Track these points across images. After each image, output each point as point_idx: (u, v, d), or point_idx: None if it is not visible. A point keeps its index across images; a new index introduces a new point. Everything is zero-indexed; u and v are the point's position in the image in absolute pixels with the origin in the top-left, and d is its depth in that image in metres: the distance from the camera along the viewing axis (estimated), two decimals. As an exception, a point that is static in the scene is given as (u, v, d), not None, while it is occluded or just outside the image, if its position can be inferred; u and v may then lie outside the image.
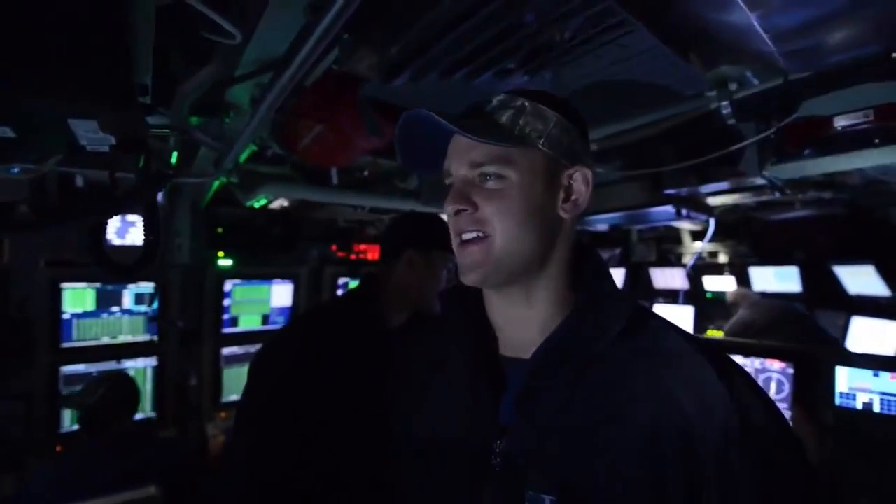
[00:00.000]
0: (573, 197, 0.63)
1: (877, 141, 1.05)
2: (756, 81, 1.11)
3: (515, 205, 0.58)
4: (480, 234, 0.59)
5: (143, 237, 0.81)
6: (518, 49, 0.93)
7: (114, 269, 0.81)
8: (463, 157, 0.61)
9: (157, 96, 0.78)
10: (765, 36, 0.87)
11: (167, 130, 0.70)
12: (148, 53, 0.60)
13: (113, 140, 0.61)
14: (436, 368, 0.71)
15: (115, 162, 0.72)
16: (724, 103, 1.14)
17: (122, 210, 0.62)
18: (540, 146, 0.60)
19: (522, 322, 0.63)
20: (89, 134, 0.58)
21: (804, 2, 0.76)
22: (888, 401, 1.45)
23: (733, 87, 1.11)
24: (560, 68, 1.03)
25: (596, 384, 0.58)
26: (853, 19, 0.83)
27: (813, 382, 1.56)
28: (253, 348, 2.81)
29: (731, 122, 1.14)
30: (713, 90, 1.12)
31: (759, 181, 1.40)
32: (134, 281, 2.47)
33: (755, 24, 0.84)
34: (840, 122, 1.03)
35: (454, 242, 0.63)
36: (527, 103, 0.61)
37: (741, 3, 0.77)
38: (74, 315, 2.35)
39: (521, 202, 0.59)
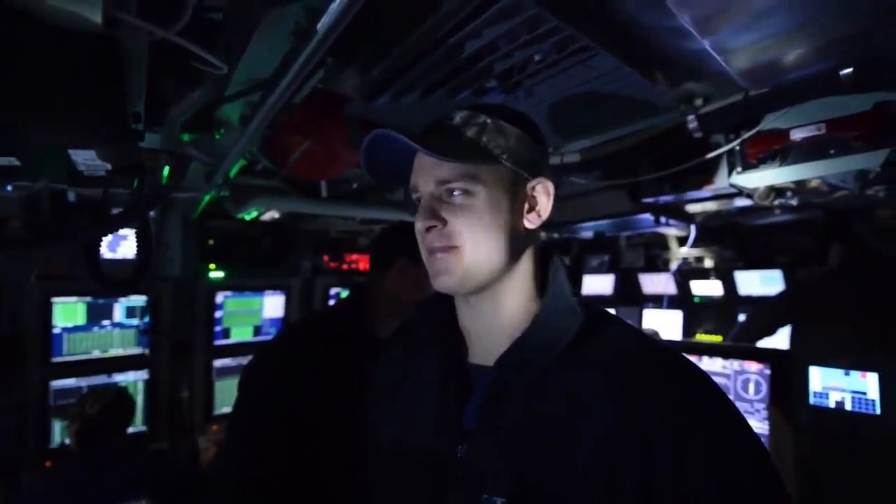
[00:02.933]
0: (536, 208, 0.66)
1: (832, 151, 1.12)
2: (719, 97, 1.18)
3: (483, 219, 0.61)
4: (450, 246, 0.62)
5: (136, 253, 0.85)
6: (492, 70, 0.99)
7: (109, 285, 0.85)
8: (429, 175, 0.63)
9: (148, 119, 0.82)
10: (719, 59, 0.93)
11: (160, 156, 0.74)
12: (141, 86, 0.64)
13: (109, 166, 0.65)
14: (407, 377, 0.74)
15: (110, 182, 0.76)
16: (691, 117, 1.20)
17: (116, 229, 0.65)
18: (503, 161, 0.63)
19: (490, 330, 0.66)
20: (87, 161, 0.62)
21: (750, 27, 0.82)
22: (859, 399, 1.50)
23: (698, 102, 1.18)
24: (534, 87, 1.09)
25: (554, 390, 0.59)
26: (799, 40, 0.90)
27: (788, 383, 1.61)
28: (245, 360, 2.80)
29: (698, 135, 1.20)
30: (680, 106, 1.18)
31: (728, 190, 1.47)
32: (125, 294, 2.48)
33: (708, 47, 0.90)
34: (796, 135, 1.10)
35: (423, 253, 0.65)
36: (489, 120, 0.63)
37: (693, 32, 0.83)
38: (65, 329, 2.35)
39: (488, 216, 0.61)
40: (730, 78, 1.02)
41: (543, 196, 0.66)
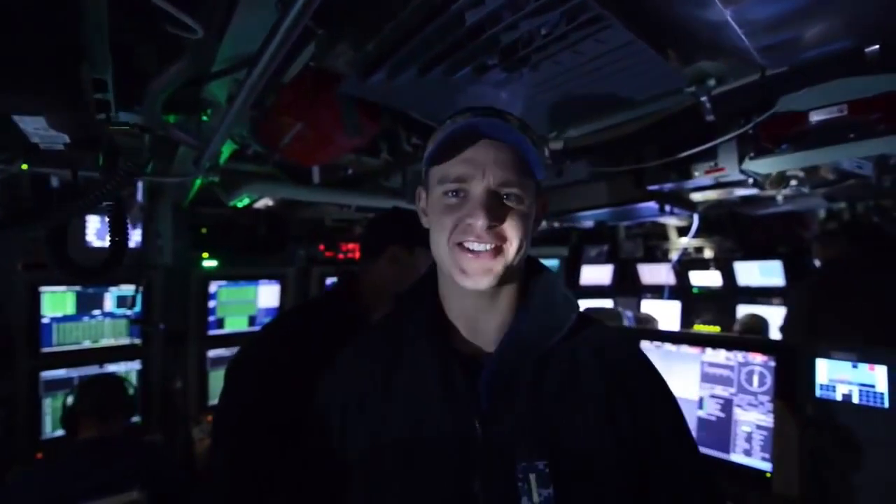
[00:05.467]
0: (541, 219, 0.74)
1: (851, 135, 1.06)
2: (734, 77, 1.12)
3: (524, 225, 0.67)
4: (495, 247, 0.65)
5: (109, 238, 0.79)
6: (495, 44, 0.92)
7: (77, 273, 0.79)
8: (493, 171, 0.64)
9: (124, 94, 0.76)
10: (740, 31, 0.87)
11: (128, 127, 0.67)
12: (103, 47, 0.58)
13: (67, 138, 0.59)
14: (399, 368, 0.73)
15: (76, 161, 0.69)
16: (703, 99, 1.14)
17: (85, 210, 0.59)
18: (539, 177, 0.69)
19: (484, 321, 0.71)
20: (40, 131, 0.56)
21: (776, -3, 0.76)
22: (867, 392, 1.47)
23: (711, 82, 1.11)
24: (539, 63, 1.02)
25: (556, 367, 0.67)
26: (825, 14, 0.84)
27: (794, 375, 1.57)
28: (239, 350, 2.78)
29: (710, 117, 1.14)
30: (691, 86, 1.12)
31: (738, 176, 1.42)
32: (115, 283, 2.42)
33: (730, 19, 0.84)
34: (815, 117, 1.04)
35: (451, 245, 0.66)
36: (535, 136, 0.69)
37: (716, 0, 0.77)
38: (54, 319, 2.30)
39: (527, 223, 0.67)
40: (747, 55, 0.96)
41: (543, 209, 0.74)
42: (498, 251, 0.65)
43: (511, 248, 0.65)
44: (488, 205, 0.63)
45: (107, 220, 0.78)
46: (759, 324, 3.09)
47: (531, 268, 0.75)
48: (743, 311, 3.95)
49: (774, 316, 3.76)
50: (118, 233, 0.79)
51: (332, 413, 0.76)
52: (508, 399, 0.65)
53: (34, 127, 0.54)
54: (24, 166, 1.03)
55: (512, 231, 0.65)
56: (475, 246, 0.65)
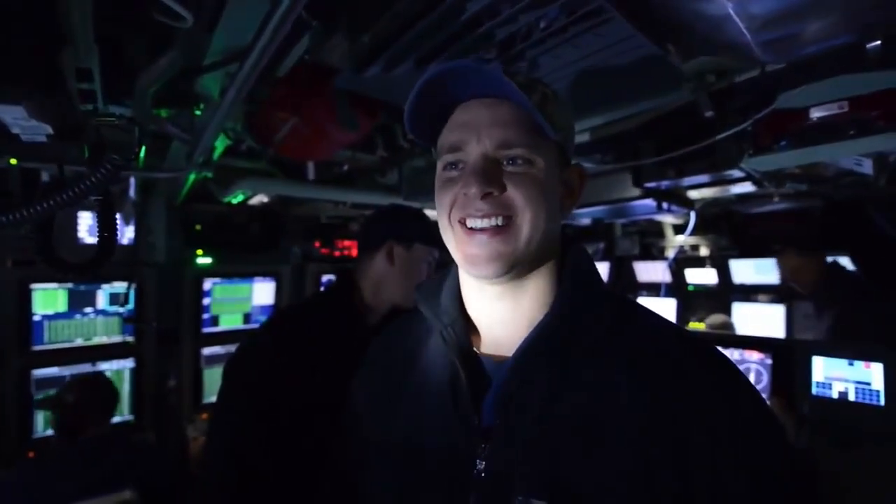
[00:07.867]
0: (572, 194, 0.63)
1: (851, 132, 1.05)
2: (734, 73, 1.11)
3: (541, 193, 0.55)
4: (504, 222, 0.55)
5: (98, 234, 0.77)
6: (494, 37, 0.91)
7: (65, 268, 0.77)
8: (488, 134, 0.55)
9: (113, 86, 0.74)
10: (741, 26, 0.86)
11: (115, 118, 0.65)
12: (87, 33, 0.55)
13: (50, 129, 0.57)
14: (412, 369, 0.67)
15: (61, 153, 0.67)
16: (702, 95, 1.13)
17: (70, 204, 0.57)
18: (557, 138, 0.58)
19: (508, 320, 0.60)
20: (20, 122, 0.53)
21: (779, -10, 0.75)
22: (863, 389, 1.47)
23: (711, 78, 1.10)
24: (538, 57, 1.01)
25: (580, 384, 0.55)
26: (828, 9, 0.83)
27: (790, 372, 1.58)
28: (234, 348, 2.74)
29: (709, 114, 1.13)
30: (690, 82, 1.11)
31: (737, 174, 1.41)
32: (108, 281, 2.39)
33: (731, 13, 0.83)
34: (815, 114, 1.03)
35: (458, 229, 0.57)
36: (549, 91, 0.59)
37: (717, -9, 0.76)
38: (45, 317, 2.27)
39: (546, 191, 0.56)
40: (748, 50, 0.95)
41: (579, 182, 0.64)
42: (507, 228, 0.55)
43: (524, 221, 0.54)
44: (483, 168, 0.54)
45: (95, 215, 0.76)
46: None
47: (564, 253, 0.62)
48: (738, 308, 3.98)
49: (769, 314, 3.79)
50: (107, 228, 0.77)
51: (358, 400, 0.74)
52: (515, 419, 0.55)
53: (13, 117, 0.51)
54: (13, 161, 1.01)
55: (521, 198, 0.54)
56: (477, 223, 0.55)
